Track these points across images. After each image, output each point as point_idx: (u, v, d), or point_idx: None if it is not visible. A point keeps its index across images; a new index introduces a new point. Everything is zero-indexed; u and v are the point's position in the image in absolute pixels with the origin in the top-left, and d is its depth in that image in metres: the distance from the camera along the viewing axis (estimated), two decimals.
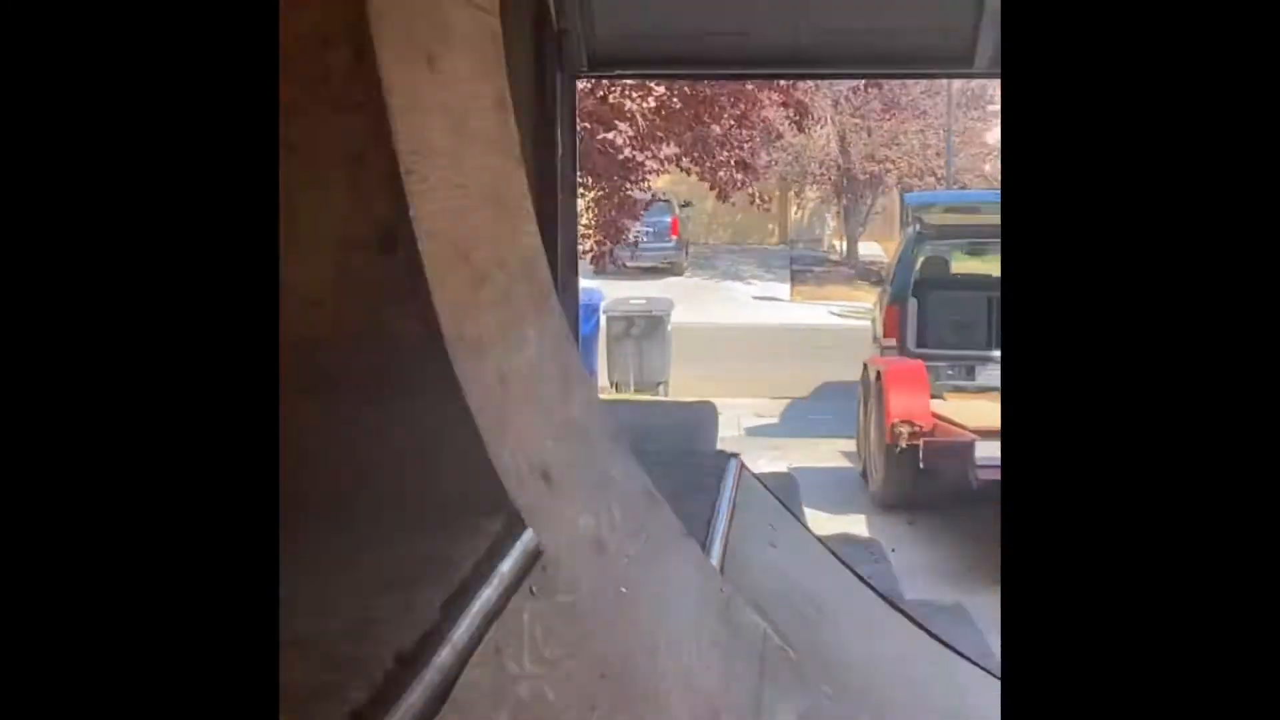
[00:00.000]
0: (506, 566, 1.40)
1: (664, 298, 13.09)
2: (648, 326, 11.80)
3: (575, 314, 4.16)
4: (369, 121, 1.45)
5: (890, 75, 11.53)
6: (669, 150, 11.54)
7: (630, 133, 10.84)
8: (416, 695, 1.11)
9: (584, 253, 10.12)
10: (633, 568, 1.77)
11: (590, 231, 10.99)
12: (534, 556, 1.47)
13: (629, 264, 18.07)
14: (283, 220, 1.43)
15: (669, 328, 11.97)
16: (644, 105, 10.80)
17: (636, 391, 11.38)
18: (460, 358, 1.50)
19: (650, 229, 17.57)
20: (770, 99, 12.14)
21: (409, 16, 1.59)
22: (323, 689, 1.08)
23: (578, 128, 4.53)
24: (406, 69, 1.55)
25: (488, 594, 1.33)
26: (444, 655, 1.17)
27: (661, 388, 11.77)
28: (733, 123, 11.73)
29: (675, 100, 10.85)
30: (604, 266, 13.29)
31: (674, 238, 20.11)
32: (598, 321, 11.04)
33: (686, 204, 20.01)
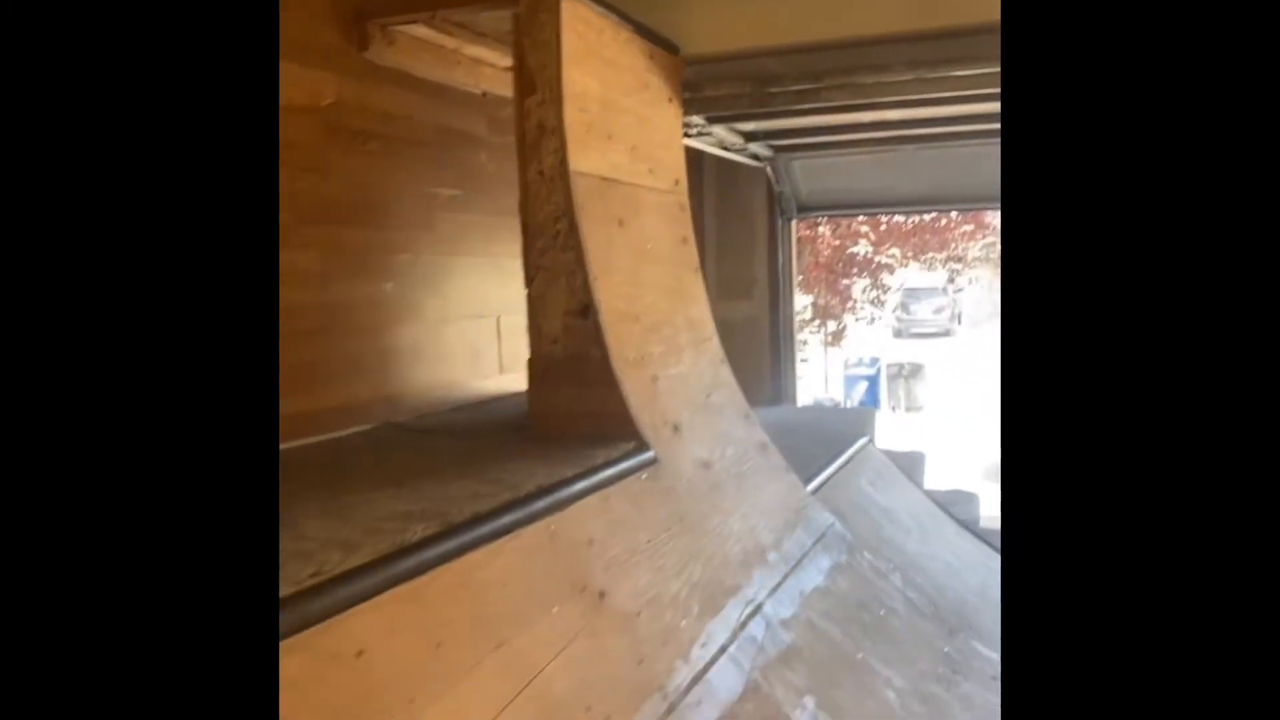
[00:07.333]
0: (628, 464, 2.84)
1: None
2: (911, 371, 18.59)
3: (791, 351, 6.63)
4: (576, 256, 3.06)
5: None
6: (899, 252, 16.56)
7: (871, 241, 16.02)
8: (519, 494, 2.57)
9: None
10: (731, 479, 3.22)
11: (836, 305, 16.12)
12: (650, 462, 2.91)
13: (913, 331, 26.22)
14: (539, 299, 3.09)
15: (926, 372, 18.61)
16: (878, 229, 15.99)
17: (906, 412, 17.94)
18: (620, 368, 3.06)
19: (930, 305, 26.49)
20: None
21: (605, 202, 3.20)
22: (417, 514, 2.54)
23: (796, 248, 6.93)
24: (601, 228, 3.15)
25: (608, 473, 2.68)
26: (563, 492, 2.47)
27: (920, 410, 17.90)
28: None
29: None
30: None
31: (944, 310, 27.10)
32: (880, 369, 17.86)
33: (955, 287, 26.12)
